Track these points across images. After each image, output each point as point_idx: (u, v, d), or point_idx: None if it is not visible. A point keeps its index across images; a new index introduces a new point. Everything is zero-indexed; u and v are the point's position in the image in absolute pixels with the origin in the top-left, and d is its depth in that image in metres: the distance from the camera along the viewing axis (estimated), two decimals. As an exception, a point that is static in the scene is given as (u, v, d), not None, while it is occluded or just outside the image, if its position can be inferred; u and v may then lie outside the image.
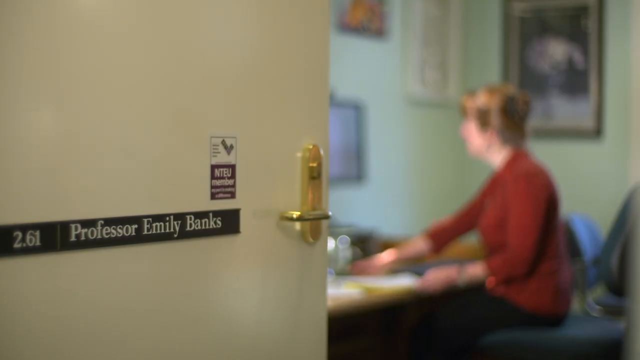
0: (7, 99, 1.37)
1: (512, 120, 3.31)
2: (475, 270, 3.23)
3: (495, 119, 3.30)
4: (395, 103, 4.59)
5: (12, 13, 1.38)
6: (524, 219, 3.15)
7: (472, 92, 3.40)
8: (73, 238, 1.44)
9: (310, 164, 1.82)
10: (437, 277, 3.25)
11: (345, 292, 3.07)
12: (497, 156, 3.32)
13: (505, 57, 5.06)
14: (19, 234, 1.37)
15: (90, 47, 1.49)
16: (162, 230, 1.57)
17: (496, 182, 3.32)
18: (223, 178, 1.68)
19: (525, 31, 5.00)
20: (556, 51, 4.92)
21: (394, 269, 3.54)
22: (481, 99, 3.32)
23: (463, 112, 3.38)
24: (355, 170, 3.93)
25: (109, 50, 1.52)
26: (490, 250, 3.31)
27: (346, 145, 3.88)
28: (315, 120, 1.88)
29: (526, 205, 3.16)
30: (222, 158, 1.68)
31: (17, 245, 1.37)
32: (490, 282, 3.29)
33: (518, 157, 3.30)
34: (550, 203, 3.21)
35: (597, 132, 4.82)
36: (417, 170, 4.77)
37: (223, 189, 1.68)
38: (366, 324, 3.69)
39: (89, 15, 1.49)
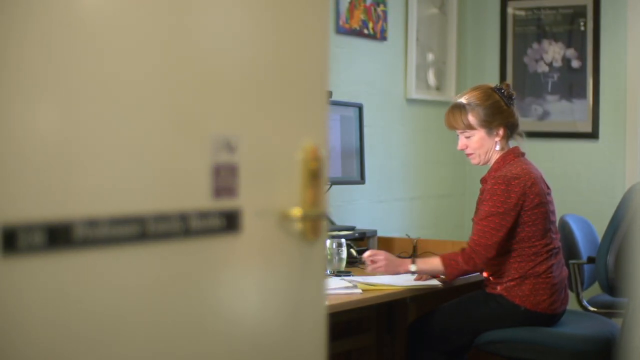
0: (9, 99, 1.38)
1: (509, 108, 3.33)
2: (432, 263, 3.24)
3: (498, 114, 3.30)
4: (395, 103, 4.62)
5: (13, 12, 1.39)
6: (492, 219, 3.17)
7: (459, 107, 3.32)
8: (78, 237, 1.45)
9: (310, 164, 1.84)
10: (391, 269, 3.26)
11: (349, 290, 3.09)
12: (494, 157, 3.34)
13: (503, 58, 5.08)
14: (23, 233, 1.38)
15: (94, 47, 1.50)
16: (167, 229, 1.59)
17: (485, 185, 3.33)
18: (226, 177, 1.70)
19: (522, 32, 5.03)
20: (553, 52, 4.94)
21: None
22: (476, 103, 3.30)
23: (464, 128, 3.30)
24: (355, 171, 3.95)
25: (113, 51, 1.53)
26: None
27: (346, 146, 3.90)
28: (315, 120, 1.89)
29: (498, 208, 3.18)
30: (225, 158, 1.70)
31: (21, 244, 1.38)
32: (488, 281, 3.31)
33: (508, 158, 3.30)
34: (533, 205, 3.21)
35: (593, 133, 4.84)
36: (417, 171, 4.79)
37: (226, 188, 1.70)
38: (366, 322, 3.71)
39: (91, 14, 1.50)
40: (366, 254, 3.30)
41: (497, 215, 3.17)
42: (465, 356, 3.42)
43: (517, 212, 3.19)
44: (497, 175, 3.23)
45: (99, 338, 1.50)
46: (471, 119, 3.29)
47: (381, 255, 3.28)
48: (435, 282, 3.32)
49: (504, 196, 3.18)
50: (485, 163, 3.35)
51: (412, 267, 3.24)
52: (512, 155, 3.31)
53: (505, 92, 3.35)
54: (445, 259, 3.20)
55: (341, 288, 3.08)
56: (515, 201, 3.18)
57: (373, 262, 3.27)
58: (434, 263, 3.22)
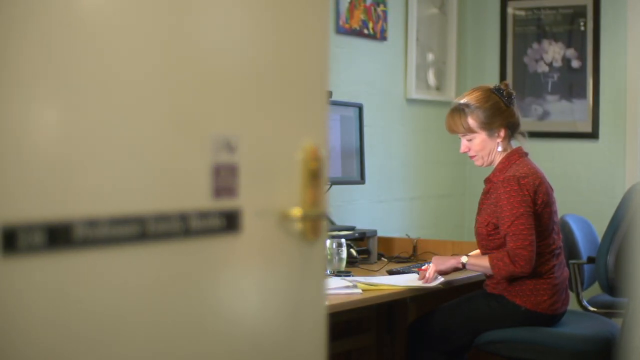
0: (10, 99, 1.38)
1: (509, 108, 3.32)
2: (481, 260, 3.23)
3: (498, 115, 3.30)
4: (395, 103, 4.62)
5: (14, 12, 1.39)
6: (518, 222, 3.16)
7: (458, 110, 3.31)
8: (78, 237, 1.45)
9: (310, 164, 1.84)
10: (442, 263, 3.26)
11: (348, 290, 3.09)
12: (498, 157, 3.33)
13: (503, 58, 5.08)
14: (23, 233, 1.38)
15: (94, 47, 1.50)
16: (167, 229, 1.59)
17: (490, 185, 3.33)
18: (226, 177, 1.70)
19: (522, 32, 5.03)
20: (553, 52, 4.94)
21: (393, 269, 3.56)
22: (475, 106, 3.30)
23: (464, 131, 3.30)
24: (355, 171, 3.95)
25: (113, 51, 1.53)
26: (485, 254, 3.33)
27: (346, 146, 3.90)
28: (315, 120, 1.89)
29: (519, 209, 3.17)
30: (225, 158, 1.70)
31: (21, 244, 1.38)
32: (489, 281, 3.31)
33: (512, 158, 3.30)
34: (541, 204, 3.22)
35: (593, 133, 4.84)
36: (417, 171, 4.79)
37: (226, 188, 1.70)
38: (366, 322, 3.71)
39: (92, 14, 1.50)
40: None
41: (521, 216, 3.16)
42: (465, 356, 3.42)
43: (536, 207, 3.19)
44: (506, 177, 3.21)
45: (99, 338, 1.50)
46: (471, 122, 3.29)
47: (430, 264, 3.30)
48: (437, 282, 3.31)
49: (519, 195, 3.18)
50: (489, 164, 3.35)
51: (464, 258, 3.24)
52: (517, 155, 3.31)
53: (505, 92, 3.34)
54: (492, 259, 3.18)
55: (341, 288, 3.08)
56: (529, 197, 3.18)
57: (424, 270, 3.29)
58: (483, 261, 3.21)
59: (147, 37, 1.58)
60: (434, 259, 3.30)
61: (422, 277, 3.30)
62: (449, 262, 3.27)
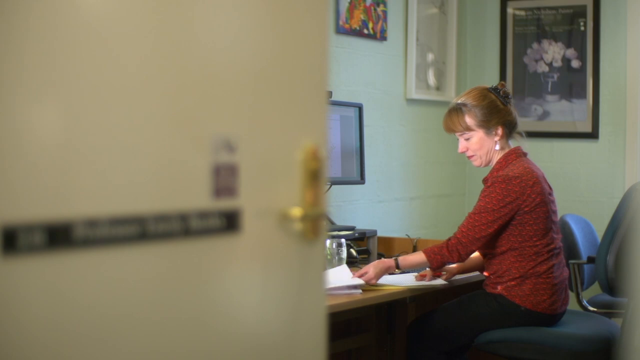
0: (11, 99, 1.38)
1: (506, 107, 3.33)
2: (414, 258, 3.25)
3: (495, 113, 3.31)
4: (395, 103, 4.62)
5: (15, 12, 1.39)
6: (481, 216, 3.17)
7: (456, 110, 3.32)
8: (78, 237, 1.45)
9: (310, 164, 1.84)
10: (376, 267, 3.20)
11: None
12: (496, 157, 3.34)
13: (503, 58, 5.08)
14: (23, 233, 1.38)
15: (95, 47, 1.50)
16: (167, 229, 1.59)
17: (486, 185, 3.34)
18: (226, 177, 1.70)
19: (522, 32, 5.03)
20: (553, 52, 4.94)
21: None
22: (472, 104, 3.30)
23: (462, 130, 3.31)
24: (355, 171, 3.95)
25: (113, 51, 1.53)
26: (484, 254, 3.34)
27: (346, 146, 3.91)
28: (314, 120, 1.89)
29: (494, 205, 3.18)
30: (225, 158, 1.70)
31: (21, 244, 1.38)
32: (489, 281, 3.32)
33: (510, 157, 3.30)
34: (532, 204, 3.21)
35: (592, 133, 4.84)
36: (417, 171, 4.79)
37: (226, 188, 1.70)
38: (366, 322, 3.71)
39: (92, 15, 1.50)
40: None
41: (490, 212, 3.18)
42: (465, 356, 3.42)
43: (512, 212, 3.19)
44: (498, 175, 3.23)
45: (99, 338, 1.50)
46: (468, 120, 3.30)
47: (367, 267, 3.22)
48: (439, 281, 3.32)
49: (502, 194, 3.19)
50: (487, 164, 3.35)
51: (393, 261, 3.24)
52: (514, 155, 3.32)
53: (501, 92, 3.35)
54: (429, 254, 3.20)
55: (342, 288, 3.07)
56: (511, 200, 3.18)
57: (362, 275, 3.19)
58: (418, 259, 3.23)
59: (146, 37, 1.58)
60: (373, 268, 3.18)
61: (420, 278, 3.32)
62: (388, 272, 3.23)
